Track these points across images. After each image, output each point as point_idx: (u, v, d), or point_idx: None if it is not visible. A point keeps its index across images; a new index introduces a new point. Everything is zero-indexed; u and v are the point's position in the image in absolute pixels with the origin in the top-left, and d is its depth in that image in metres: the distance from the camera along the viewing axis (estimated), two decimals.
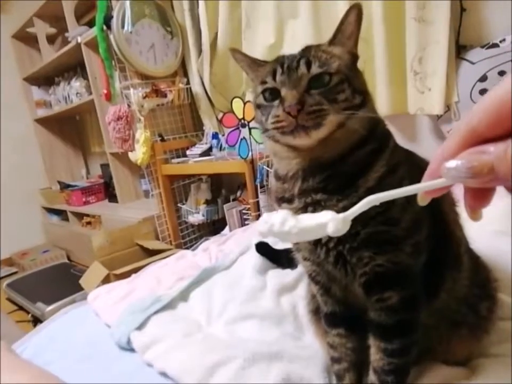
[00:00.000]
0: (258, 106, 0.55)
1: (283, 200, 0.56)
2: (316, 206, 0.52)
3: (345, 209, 0.49)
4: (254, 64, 0.59)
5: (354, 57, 0.55)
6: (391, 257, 0.52)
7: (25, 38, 3.20)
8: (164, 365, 0.74)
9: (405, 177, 0.53)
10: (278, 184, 0.58)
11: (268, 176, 1.86)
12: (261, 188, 1.90)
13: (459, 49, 1.46)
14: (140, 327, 0.87)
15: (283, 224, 0.35)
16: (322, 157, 0.52)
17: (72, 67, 2.94)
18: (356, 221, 0.49)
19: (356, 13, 0.53)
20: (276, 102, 0.52)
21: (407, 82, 1.49)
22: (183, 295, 1.01)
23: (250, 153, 1.85)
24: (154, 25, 2.18)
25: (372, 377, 0.57)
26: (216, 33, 2.12)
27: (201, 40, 2.17)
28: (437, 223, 0.57)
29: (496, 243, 0.87)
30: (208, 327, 0.89)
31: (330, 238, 0.53)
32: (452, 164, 0.26)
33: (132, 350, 0.83)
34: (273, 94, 0.53)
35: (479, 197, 0.28)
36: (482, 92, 1.38)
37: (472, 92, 1.39)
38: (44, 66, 2.96)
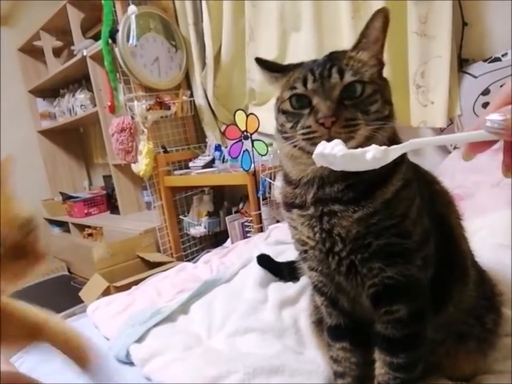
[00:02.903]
0: (283, 112, 0.53)
1: (293, 205, 0.56)
2: (331, 216, 0.52)
3: (359, 220, 0.51)
4: (273, 74, 0.57)
5: (381, 64, 0.54)
6: (401, 270, 0.52)
7: (32, 51, 3.25)
8: (163, 379, 0.72)
9: (416, 192, 0.53)
10: (288, 188, 0.57)
11: (270, 188, 1.86)
12: (263, 200, 1.89)
13: (461, 63, 1.47)
14: (139, 340, 0.85)
15: (333, 148, 0.41)
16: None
17: (77, 79, 2.98)
18: (369, 232, 0.50)
19: (382, 18, 0.51)
20: (306, 111, 0.50)
21: (409, 95, 1.50)
22: (184, 308, 1.00)
23: (252, 165, 1.85)
24: (159, 39, 2.22)
25: None
26: (220, 47, 2.15)
27: (205, 54, 2.21)
28: (444, 236, 0.57)
29: (499, 256, 0.86)
30: (208, 340, 0.87)
31: (343, 247, 0.52)
32: (491, 116, 0.30)
33: (131, 363, 0.81)
34: (301, 101, 0.51)
35: None
36: (485, 105, 1.38)
37: (475, 105, 1.40)
38: (50, 78, 3.00)
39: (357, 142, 0.48)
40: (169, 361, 0.76)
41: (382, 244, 0.51)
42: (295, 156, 0.54)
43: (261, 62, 0.58)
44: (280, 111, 0.54)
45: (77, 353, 0.52)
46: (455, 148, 1.49)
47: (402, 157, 0.54)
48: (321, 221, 0.52)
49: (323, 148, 0.42)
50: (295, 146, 0.52)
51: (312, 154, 0.51)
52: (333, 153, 0.40)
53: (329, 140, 0.47)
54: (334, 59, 0.52)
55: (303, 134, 0.50)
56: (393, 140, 0.53)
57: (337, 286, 0.58)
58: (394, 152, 0.38)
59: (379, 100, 0.50)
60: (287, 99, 0.52)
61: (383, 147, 0.38)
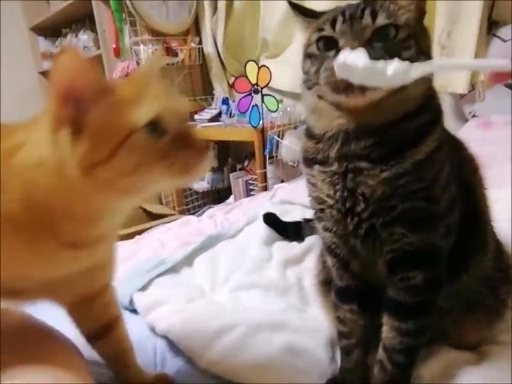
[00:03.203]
0: (308, 56, 0.51)
1: (314, 161, 0.53)
2: (356, 173, 0.49)
3: (387, 180, 0.48)
4: (307, 18, 0.55)
5: (422, 12, 0.50)
6: (424, 237, 0.50)
7: None
8: (166, 328, 0.73)
9: (447, 156, 0.51)
10: (309, 143, 0.54)
11: (277, 147, 1.82)
12: (269, 158, 1.86)
13: (491, 25, 1.38)
14: (143, 289, 0.86)
15: (355, 59, 0.40)
16: (371, 121, 0.48)
17: (81, 19, 2.83)
18: (395, 194, 0.48)
19: None
20: (332, 53, 0.47)
21: (433, 57, 1.42)
22: (188, 260, 1.00)
23: (261, 122, 1.79)
24: None
25: (381, 354, 0.56)
26: None
27: None
28: (469, 205, 0.55)
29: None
30: (212, 294, 0.88)
31: (364, 208, 0.50)
32: None
33: (134, 310, 0.82)
34: (329, 44, 0.48)
35: None
36: None
37: None
38: (51, 16, 2.86)
39: (386, 90, 0.46)
40: (172, 312, 0.77)
41: (407, 207, 0.49)
42: (320, 108, 0.51)
43: (295, 6, 0.55)
44: (307, 55, 0.52)
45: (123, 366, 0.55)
46: (473, 116, 1.44)
47: (439, 117, 0.51)
48: (344, 178, 0.50)
49: (345, 56, 0.40)
50: (319, 97, 0.50)
51: (336, 105, 0.49)
52: (355, 63, 0.40)
53: (350, 86, 0.45)
54: (369, 1, 0.49)
55: (325, 77, 0.47)
56: (430, 101, 0.50)
57: (351, 249, 0.56)
58: (417, 69, 0.38)
59: (413, 46, 0.46)
60: (314, 42, 0.50)
61: (406, 62, 0.39)
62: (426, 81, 0.49)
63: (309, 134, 0.55)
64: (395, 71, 0.37)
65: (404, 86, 0.45)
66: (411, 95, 0.47)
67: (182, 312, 0.76)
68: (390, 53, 0.45)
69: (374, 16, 0.46)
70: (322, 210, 0.55)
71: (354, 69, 0.40)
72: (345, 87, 0.45)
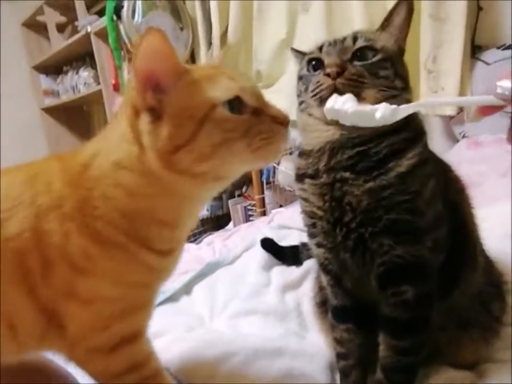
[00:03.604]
0: (300, 78, 0.58)
1: (305, 176, 0.56)
2: (342, 184, 0.51)
3: (371, 191, 0.51)
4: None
5: (401, 50, 0.56)
6: (411, 250, 0.51)
7: (35, 26, 3.18)
8: (165, 359, 0.73)
9: (432, 174, 0.53)
10: (301, 160, 0.58)
11: (274, 172, 1.85)
12: (266, 184, 1.89)
13: (474, 49, 1.44)
14: None
15: (344, 104, 0.43)
16: (354, 132, 0.52)
17: (81, 56, 2.92)
18: (380, 205, 0.50)
19: (406, 7, 0.54)
20: (318, 71, 0.54)
21: (420, 81, 1.47)
22: (186, 289, 1.00)
23: None
24: (165, 17, 2.17)
25: (379, 375, 0.56)
26: (227, 27, 2.10)
27: (211, 33, 2.16)
28: (456, 223, 0.56)
29: (504, 246, 0.86)
30: (210, 322, 0.88)
31: (352, 218, 0.52)
32: (502, 82, 0.32)
33: None
34: (316, 65, 0.55)
35: None
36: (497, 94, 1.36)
37: (486, 93, 1.37)
38: (53, 55, 2.95)
39: (367, 103, 0.50)
40: (171, 341, 0.76)
41: (392, 219, 0.50)
42: (309, 125, 0.56)
43: (296, 51, 0.64)
44: (299, 78, 0.59)
45: None
46: (463, 136, 1.47)
47: (420, 135, 0.54)
48: (332, 189, 0.52)
49: (334, 102, 0.44)
50: (309, 115, 0.55)
51: (321, 118, 0.53)
52: (344, 109, 0.43)
53: (333, 94, 0.50)
54: (354, 32, 0.56)
55: (312, 91, 0.53)
56: (411, 120, 0.53)
57: (341, 264, 0.57)
58: (403, 111, 0.41)
59: (389, 68, 0.52)
60: (305, 65, 0.57)
61: (393, 106, 0.41)
62: (407, 100, 0.53)
63: (301, 153, 0.58)
64: (383, 115, 0.40)
65: (381, 101, 0.49)
66: None
67: (181, 343, 0.76)
68: (368, 71, 0.51)
69: (355, 39, 0.54)
70: (314, 225, 0.57)
71: (343, 114, 0.44)
72: (329, 97, 0.50)
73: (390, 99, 0.50)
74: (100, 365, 0.48)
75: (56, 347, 0.49)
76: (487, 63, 1.38)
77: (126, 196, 0.44)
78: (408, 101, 0.53)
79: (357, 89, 0.50)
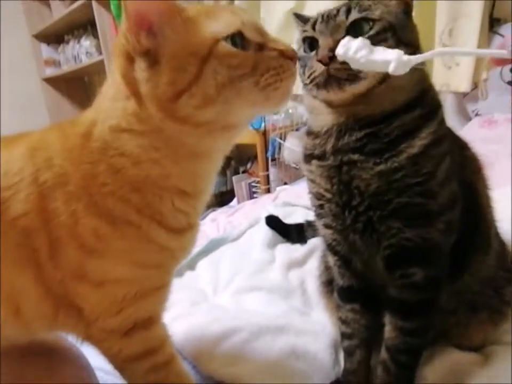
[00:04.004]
0: (299, 59, 0.51)
1: (312, 156, 0.54)
2: (351, 166, 0.49)
3: (381, 174, 0.48)
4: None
5: (406, 5, 0.50)
6: (421, 232, 0.50)
7: None
8: (170, 334, 0.73)
9: (447, 152, 0.50)
10: (308, 140, 0.55)
11: (280, 149, 1.82)
12: (272, 160, 1.86)
13: (492, 23, 1.37)
14: None
15: (356, 52, 0.41)
16: (360, 114, 0.49)
17: (83, 25, 2.84)
18: (390, 188, 0.48)
19: None
20: (313, 53, 0.49)
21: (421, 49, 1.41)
22: (190, 264, 1.00)
23: (263, 124, 1.79)
24: None
25: (384, 355, 0.56)
26: None
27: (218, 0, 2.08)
28: (471, 204, 0.54)
29: None
30: (214, 297, 0.88)
31: (360, 202, 0.50)
32: None
33: None
34: (311, 44, 0.51)
35: None
36: None
37: (502, 69, 1.32)
38: (54, 23, 2.88)
39: (367, 83, 0.47)
40: (175, 316, 0.76)
41: (403, 202, 0.48)
42: (315, 106, 0.53)
43: (298, 16, 0.57)
44: (298, 59, 0.53)
45: None
46: (476, 114, 1.43)
47: (435, 111, 0.51)
48: (340, 172, 0.50)
49: (346, 48, 0.42)
50: (313, 96, 0.52)
51: (328, 102, 0.50)
52: (356, 57, 0.41)
53: (328, 81, 0.47)
54: (348, 1, 0.50)
55: (308, 77, 0.50)
56: (424, 94, 0.50)
57: (351, 245, 0.56)
58: (415, 60, 0.39)
59: (389, 38, 0.47)
60: (301, 44, 0.52)
61: (406, 56, 0.39)
62: (416, 72, 0.48)
63: (308, 132, 0.56)
64: (396, 67, 0.39)
65: (388, 75, 0.45)
66: (400, 83, 0.47)
67: (185, 318, 0.76)
68: None
69: (348, 12, 0.48)
70: (321, 206, 0.55)
71: (356, 62, 0.42)
72: (324, 83, 0.47)
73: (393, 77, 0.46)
74: (114, 346, 0.48)
75: (70, 328, 0.48)
76: (502, 35, 1.32)
77: (133, 165, 0.41)
78: (420, 70, 0.50)
79: (352, 71, 0.45)
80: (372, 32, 0.47)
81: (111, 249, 0.43)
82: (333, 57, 0.46)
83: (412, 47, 0.48)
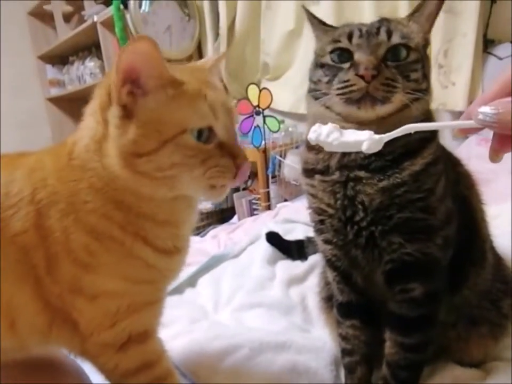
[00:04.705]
0: (321, 66, 0.53)
1: (314, 171, 0.54)
2: (356, 182, 0.50)
3: (384, 189, 0.50)
4: (322, 26, 0.57)
5: (427, 42, 0.53)
6: (421, 247, 0.51)
7: (42, 15, 3.17)
8: (169, 351, 0.72)
9: (443, 171, 0.52)
10: (309, 155, 0.55)
11: (280, 166, 1.84)
12: (272, 178, 1.87)
13: (486, 43, 1.41)
14: None
15: (328, 136, 0.40)
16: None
17: (87, 46, 2.91)
18: (393, 204, 0.49)
19: None
20: (346, 65, 0.50)
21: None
22: (191, 281, 1.00)
23: (263, 142, 1.82)
24: (172, 6, 2.15)
25: (384, 371, 0.56)
26: (234, 17, 2.08)
27: (218, 24, 2.14)
28: (465, 219, 0.56)
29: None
30: (215, 314, 0.87)
31: (363, 217, 0.51)
32: (483, 109, 0.30)
33: None
34: (343, 56, 0.51)
35: (504, 142, 0.32)
36: None
37: None
38: (59, 44, 2.94)
39: (394, 106, 0.48)
40: (176, 333, 0.76)
41: (404, 217, 0.50)
42: (325, 118, 0.52)
43: (310, 14, 0.58)
44: (319, 65, 0.54)
45: None
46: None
47: (433, 135, 0.53)
48: (345, 187, 0.51)
49: (318, 134, 0.41)
50: (326, 107, 0.51)
51: (342, 114, 0.51)
52: (328, 141, 0.40)
53: (363, 98, 0.48)
54: (384, 21, 0.52)
55: (339, 88, 0.49)
56: (428, 119, 0.52)
57: (351, 260, 0.56)
58: (387, 138, 0.38)
59: (420, 70, 0.50)
60: (329, 52, 0.52)
61: (378, 136, 0.37)
62: (427, 102, 0.51)
63: (310, 146, 0.56)
64: (369, 147, 0.38)
65: (408, 105, 0.48)
66: (414, 114, 0.49)
67: (185, 335, 0.76)
68: (401, 73, 0.48)
69: (389, 34, 0.49)
70: (322, 221, 0.56)
71: (328, 145, 0.41)
72: (358, 99, 0.48)
73: (414, 101, 0.48)
74: (110, 361, 0.48)
75: (65, 342, 0.49)
76: (500, 58, 1.35)
77: (112, 189, 0.44)
78: (428, 103, 0.52)
79: (388, 94, 0.47)
80: (409, 60, 0.49)
81: (101, 263, 0.44)
82: (375, 75, 0.47)
83: (428, 81, 0.51)
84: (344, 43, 0.51)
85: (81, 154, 0.44)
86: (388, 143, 0.49)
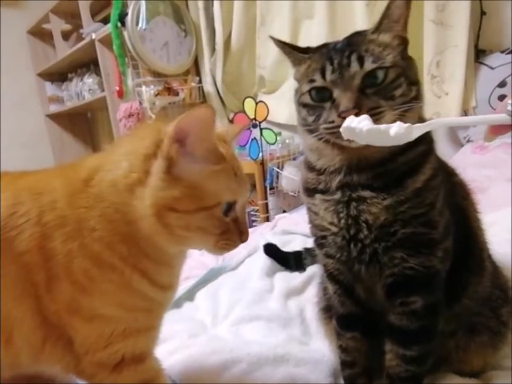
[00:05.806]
0: (304, 105, 0.52)
1: (315, 191, 0.54)
2: (360, 202, 0.51)
3: (388, 207, 0.50)
4: (295, 53, 0.55)
5: (404, 42, 0.52)
6: (423, 261, 0.51)
7: (41, 33, 3.22)
8: (167, 366, 0.72)
9: (442, 182, 0.52)
10: (311, 175, 0.56)
11: (278, 177, 1.84)
12: (270, 189, 1.88)
13: (478, 54, 1.43)
14: None
15: (360, 123, 0.42)
16: (371, 156, 0.50)
17: (86, 63, 2.95)
18: (396, 220, 0.50)
19: None
20: (327, 104, 0.49)
21: (424, 86, 1.46)
22: (189, 295, 1.00)
23: (260, 154, 1.83)
24: (169, 23, 2.19)
25: (385, 383, 0.55)
26: (230, 32, 2.12)
27: (215, 39, 2.17)
28: (462, 228, 0.56)
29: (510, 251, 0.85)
30: (213, 328, 0.87)
31: (368, 234, 0.51)
32: None
33: None
34: (322, 94, 0.50)
35: None
36: (501, 97, 1.35)
37: (490, 97, 1.36)
38: (58, 62, 2.98)
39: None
40: (174, 349, 0.76)
41: (408, 232, 0.50)
42: (320, 148, 0.53)
43: (282, 43, 0.56)
44: (301, 104, 0.53)
45: None
46: (468, 141, 1.46)
47: (432, 147, 0.53)
48: (348, 207, 0.51)
49: (350, 121, 0.43)
50: (319, 139, 0.51)
51: (337, 146, 0.50)
52: (359, 127, 0.42)
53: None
54: (354, 44, 0.50)
55: (326, 128, 0.49)
56: (421, 120, 0.52)
57: (355, 275, 0.56)
58: (417, 129, 0.39)
59: (403, 83, 0.48)
60: (307, 92, 0.51)
61: (407, 124, 0.39)
62: (420, 107, 0.51)
63: (310, 167, 0.56)
64: (397, 133, 0.40)
65: (400, 118, 0.46)
66: (410, 122, 0.48)
67: (183, 350, 0.75)
68: (383, 96, 0.47)
69: (361, 61, 0.47)
70: (323, 237, 0.56)
71: (359, 132, 0.43)
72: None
73: (406, 113, 0.47)
74: (106, 380, 0.49)
75: (56, 360, 0.49)
76: (491, 67, 1.37)
77: (125, 224, 0.46)
78: (421, 107, 0.52)
79: (376, 120, 0.45)
80: (387, 80, 0.47)
81: (99, 289, 0.46)
82: (357, 114, 0.45)
83: (417, 84, 0.50)
84: (319, 82, 0.50)
85: (103, 186, 0.46)
86: (390, 161, 0.50)
